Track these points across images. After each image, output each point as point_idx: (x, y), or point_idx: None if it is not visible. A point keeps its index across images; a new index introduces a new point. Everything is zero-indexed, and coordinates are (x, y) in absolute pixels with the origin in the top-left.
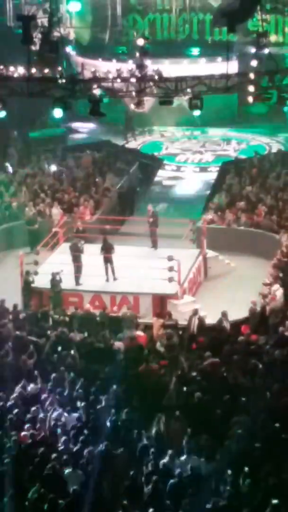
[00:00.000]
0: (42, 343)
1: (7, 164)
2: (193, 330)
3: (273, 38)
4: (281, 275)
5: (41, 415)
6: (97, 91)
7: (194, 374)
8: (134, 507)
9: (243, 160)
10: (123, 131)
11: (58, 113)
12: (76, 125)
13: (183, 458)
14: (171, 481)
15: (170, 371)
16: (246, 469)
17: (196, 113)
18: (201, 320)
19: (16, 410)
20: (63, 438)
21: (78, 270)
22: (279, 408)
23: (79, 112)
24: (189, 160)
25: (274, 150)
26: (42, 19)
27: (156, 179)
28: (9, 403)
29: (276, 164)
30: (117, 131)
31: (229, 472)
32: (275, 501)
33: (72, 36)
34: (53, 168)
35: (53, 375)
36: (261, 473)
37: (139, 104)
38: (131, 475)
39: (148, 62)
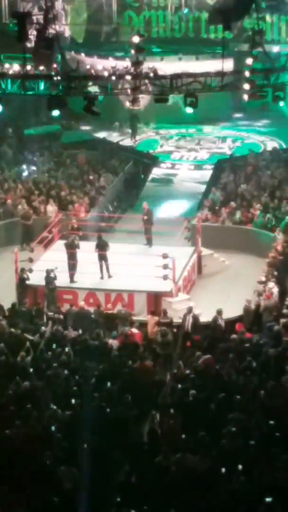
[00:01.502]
0: (37, 340)
1: None
2: (187, 328)
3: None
4: (275, 273)
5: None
6: (92, 89)
7: (188, 372)
8: (128, 504)
9: (238, 158)
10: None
11: (54, 111)
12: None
13: (177, 455)
14: (165, 478)
15: (165, 368)
16: (240, 467)
17: (190, 110)
18: (195, 318)
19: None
20: (58, 435)
21: (72, 267)
22: (273, 406)
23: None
24: (184, 158)
25: (269, 148)
26: (38, 16)
27: (151, 176)
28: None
29: (271, 162)
30: (110, 129)
31: (224, 470)
32: (269, 499)
33: (67, 33)
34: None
35: (48, 372)
36: (256, 471)
37: (134, 101)
38: (125, 472)
39: (143, 59)
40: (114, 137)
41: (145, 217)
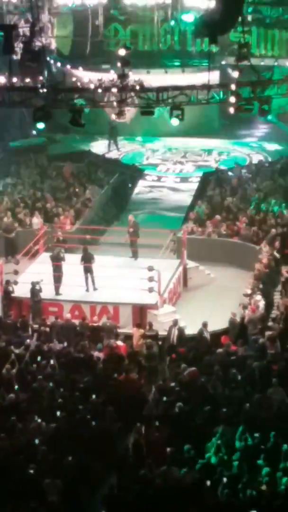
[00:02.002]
0: (22, 353)
1: None
2: (173, 341)
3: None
4: (261, 286)
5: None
6: (78, 101)
7: (173, 384)
8: None
9: (224, 170)
10: (107, 140)
11: (39, 124)
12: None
13: (162, 468)
14: (150, 491)
15: (150, 381)
16: (225, 480)
17: (176, 123)
18: (181, 331)
19: None
20: (42, 447)
21: (58, 280)
22: (258, 418)
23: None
24: (170, 171)
25: (254, 161)
26: (24, 29)
27: (137, 189)
28: None
29: (257, 175)
30: (96, 141)
31: (208, 483)
32: None
33: (53, 45)
34: None
35: (33, 384)
36: (240, 484)
37: (120, 114)
38: (110, 485)
39: (129, 72)
40: (100, 149)
41: (131, 230)
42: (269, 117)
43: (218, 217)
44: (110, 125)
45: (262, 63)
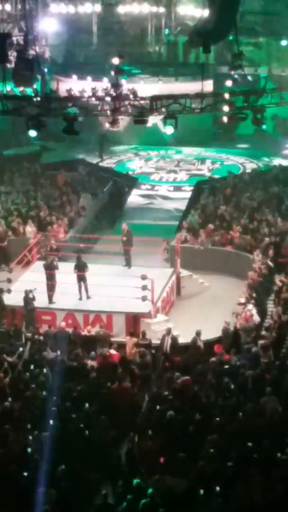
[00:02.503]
0: (15, 361)
1: None
2: (166, 349)
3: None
4: (254, 294)
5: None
6: (72, 110)
7: (166, 393)
8: None
9: (217, 179)
10: (98, 149)
11: (32, 133)
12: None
13: (155, 477)
14: (143, 500)
15: (143, 390)
16: (218, 489)
17: (170, 131)
18: (174, 339)
19: None
20: (35, 456)
21: (51, 288)
22: (251, 427)
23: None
24: (163, 179)
25: (248, 170)
26: (18, 37)
27: (131, 198)
28: None
29: (250, 184)
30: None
31: (202, 491)
32: None
33: (47, 54)
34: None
35: (26, 393)
36: (233, 493)
37: (113, 123)
38: (103, 494)
39: (123, 81)
40: (93, 158)
41: (124, 238)
42: (264, 126)
43: (211, 226)
44: (99, 134)
45: (255, 73)
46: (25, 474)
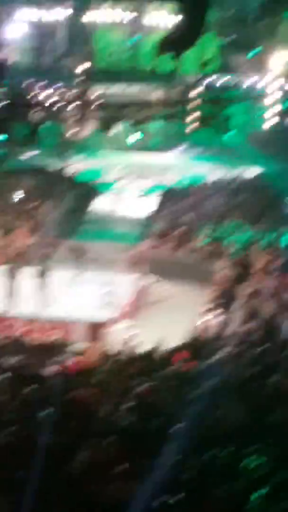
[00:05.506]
0: None
1: None
2: (129, 356)
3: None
4: (218, 303)
5: None
6: (37, 116)
7: (127, 400)
8: None
9: (184, 187)
10: (59, 155)
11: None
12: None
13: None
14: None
15: (103, 397)
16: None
17: (136, 138)
18: (136, 346)
19: None
20: None
21: (11, 294)
22: (214, 437)
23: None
24: (128, 187)
25: (213, 178)
26: None
27: (94, 205)
28: None
29: (217, 192)
30: (55, 156)
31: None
32: None
33: (14, 59)
34: None
35: None
36: (191, 502)
37: (80, 128)
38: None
39: (91, 87)
40: (57, 164)
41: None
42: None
43: (177, 232)
44: (62, 140)
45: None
46: None
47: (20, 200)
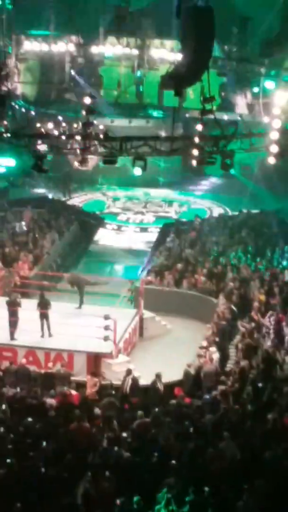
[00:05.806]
0: None
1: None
2: (126, 390)
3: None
4: (217, 339)
5: None
6: (41, 147)
7: (124, 434)
8: None
9: (184, 222)
10: (61, 187)
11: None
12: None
13: None
14: None
15: (102, 430)
16: None
17: (138, 173)
18: (134, 381)
19: None
20: None
21: (13, 324)
22: (210, 472)
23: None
24: (130, 220)
25: (215, 214)
26: None
27: (96, 237)
28: None
29: (217, 228)
30: (59, 187)
31: None
32: None
33: (19, 91)
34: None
35: None
36: None
37: (83, 162)
38: None
39: (94, 120)
40: (61, 195)
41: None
42: (232, 171)
43: (176, 267)
44: (64, 172)
45: (226, 118)
46: None
47: (23, 231)
